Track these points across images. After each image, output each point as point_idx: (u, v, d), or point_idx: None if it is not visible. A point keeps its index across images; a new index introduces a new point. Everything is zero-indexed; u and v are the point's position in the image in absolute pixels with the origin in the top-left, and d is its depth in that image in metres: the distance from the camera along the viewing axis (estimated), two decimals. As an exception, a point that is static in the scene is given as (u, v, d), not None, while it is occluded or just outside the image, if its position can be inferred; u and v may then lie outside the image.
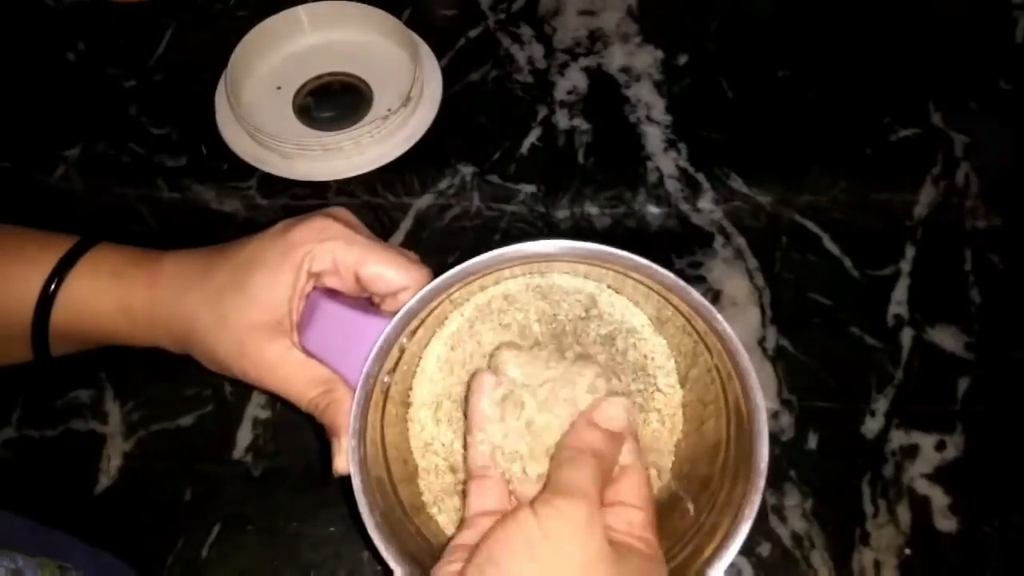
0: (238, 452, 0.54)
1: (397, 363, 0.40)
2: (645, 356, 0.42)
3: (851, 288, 0.59)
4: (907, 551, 0.50)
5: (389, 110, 0.64)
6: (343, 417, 0.37)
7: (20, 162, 0.65)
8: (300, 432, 0.54)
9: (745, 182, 0.63)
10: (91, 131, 0.66)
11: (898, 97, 0.66)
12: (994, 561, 0.50)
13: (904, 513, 0.51)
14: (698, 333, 0.39)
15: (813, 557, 0.50)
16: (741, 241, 0.60)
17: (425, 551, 0.38)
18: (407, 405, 0.43)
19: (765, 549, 0.50)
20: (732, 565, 0.50)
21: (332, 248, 0.39)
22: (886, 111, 0.66)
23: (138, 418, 0.55)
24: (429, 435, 0.42)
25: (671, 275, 0.37)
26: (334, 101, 0.67)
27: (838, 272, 0.59)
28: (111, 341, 0.43)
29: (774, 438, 0.53)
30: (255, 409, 0.55)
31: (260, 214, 0.62)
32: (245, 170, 0.63)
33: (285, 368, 0.38)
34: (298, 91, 0.67)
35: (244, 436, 0.54)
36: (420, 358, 0.43)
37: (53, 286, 0.41)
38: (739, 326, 0.57)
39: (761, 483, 0.35)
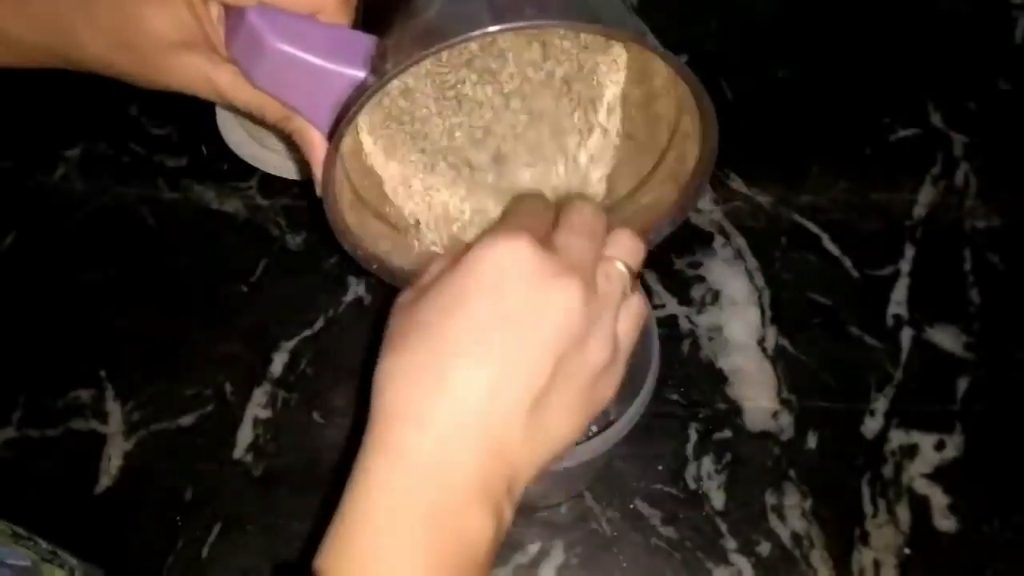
0: (238, 452, 0.54)
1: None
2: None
3: (851, 288, 0.59)
4: (906, 551, 0.50)
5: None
6: (312, 134, 0.34)
7: (20, 162, 0.65)
8: (300, 432, 0.54)
9: (745, 182, 0.63)
10: (91, 131, 0.66)
11: (897, 97, 0.66)
12: (994, 561, 0.50)
13: (903, 513, 0.51)
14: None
15: (812, 557, 0.50)
16: (741, 241, 0.60)
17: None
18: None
19: (764, 548, 0.50)
20: (732, 565, 0.50)
21: None
22: (885, 111, 0.66)
23: (139, 418, 0.55)
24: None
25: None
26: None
27: (838, 272, 0.59)
28: None
29: (774, 438, 0.54)
30: (255, 409, 0.55)
31: (260, 214, 0.62)
32: (245, 170, 0.63)
33: (236, 90, 0.34)
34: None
35: (244, 436, 0.54)
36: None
37: None
38: (739, 326, 0.57)
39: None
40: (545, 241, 0.30)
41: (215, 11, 0.33)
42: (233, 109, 0.36)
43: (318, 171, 0.34)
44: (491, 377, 0.28)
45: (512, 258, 0.29)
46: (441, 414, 0.28)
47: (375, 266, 0.40)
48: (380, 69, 0.31)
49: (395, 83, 0.38)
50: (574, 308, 0.29)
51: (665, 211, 0.40)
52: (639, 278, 0.33)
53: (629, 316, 0.32)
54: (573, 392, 0.30)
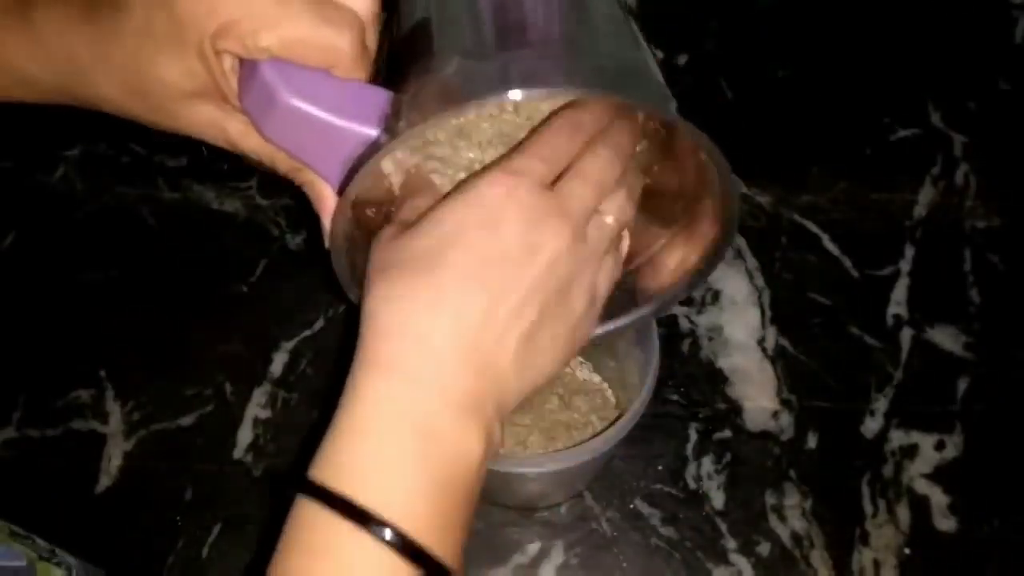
0: (239, 452, 0.54)
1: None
2: None
3: (851, 288, 0.59)
4: (906, 551, 0.50)
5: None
6: (323, 188, 0.35)
7: (20, 162, 0.65)
8: (301, 432, 0.54)
9: (745, 182, 0.63)
10: (91, 131, 0.66)
11: (897, 97, 0.66)
12: (993, 561, 0.50)
13: (903, 513, 0.51)
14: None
15: (812, 557, 0.50)
16: (741, 241, 0.60)
17: None
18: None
19: (765, 549, 0.50)
20: (732, 565, 0.50)
21: (230, 29, 0.31)
22: (885, 111, 0.66)
23: (139, 418, 0.55)
24: None
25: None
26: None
27: (838, 272, 0.59)
28: None
29: (774, 438, 0.54)
30: (256, 409, 0.55)
31: (260, 214, 0.62)
32: (245, 170, 0.63)
33: (247, 141, 0.35)
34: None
35: (245, 436, 0.54)
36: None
37: None
38: (739, 326, 0.57)
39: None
40: (551, 178, 0.31)
41: (228, 63, 0.33)
42: (244, 156, 0.36)
43: (327, 223, 0.35)
44: (489, 303, 0.29)
45: (511, 196, 0.30)
46: (439, 332, 0.29)
47: None
48: (393, 128, 0.31)
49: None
50: (563, 252, 0.30)
51: (690, 267, 0.40)
52: (624, 234, 0.35)
53: (607, 272, 0.34)
54: (555, 331, 0.31)
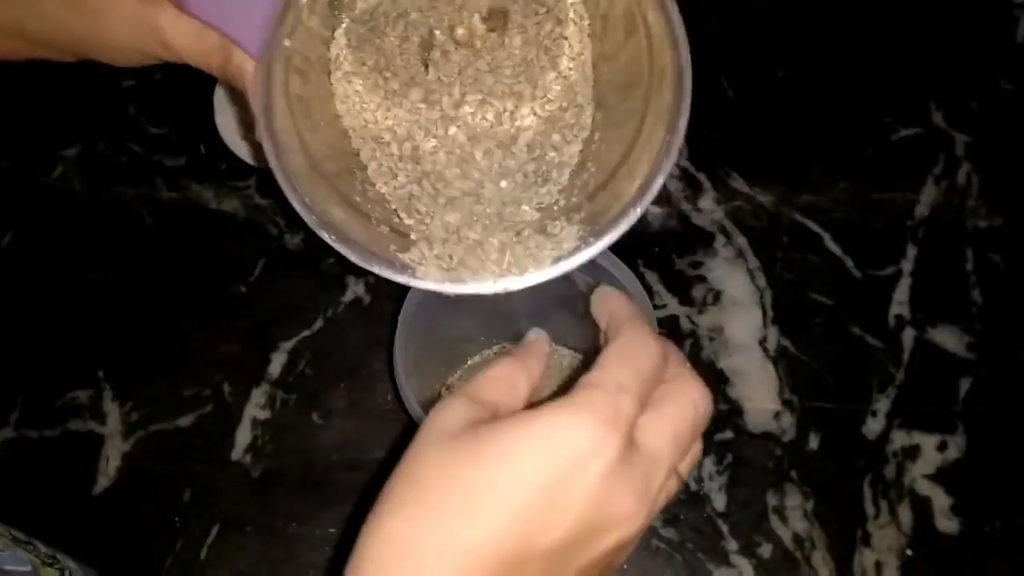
0: (237, 453, 0.54)
1: (294, 30, 0.35)
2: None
3: (852, 288, 0.58)
4: (909, 552, 0.50)
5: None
6: (250, 65, 0.34)
7: (18, 162, 0.65)
8: (299, 432, 0.54)
9: (746, 181, 0.63)
10: (90, 131, 0.66)
11: (899, 96, 0.66)
12: (996, 562, 0.50)
13: (905, 514, 0.51)
14: None
15: (814, 558, 0.50)
16: (742, 241, 0.60)
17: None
18: (325, 73, 0.38)
19: (766, 550, 0.50)
20: (733, 566, 0.50)
21: None
22: (887, 111, 0.66)
23: (137, 418, 0.55)
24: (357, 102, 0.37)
25: None
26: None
27: (839, 272, 0.59)
28: None
29: (775, 439, 0.53)
30: (254, 410, 0.55)
31: (259, 214, 0.62)
32: (244, 170, 0.63)
33: (177, 35, 0.35)
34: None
35: (243, 437, 0.54)
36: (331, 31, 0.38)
37: None
38: (740, 326, 0.57)
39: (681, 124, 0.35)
40: (628, 431, 0.26)
41: None
42: (182, 64, 0.37)
43: (255, 101, 0.33)
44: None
45: (599, 456, 0.25)
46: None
47: (329, 235, 0.36)
48: None
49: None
50: (631, 538, 0.26)
51: (656, 152, 0.37)
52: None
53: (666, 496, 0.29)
54: None
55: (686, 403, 0.28)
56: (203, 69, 0.36)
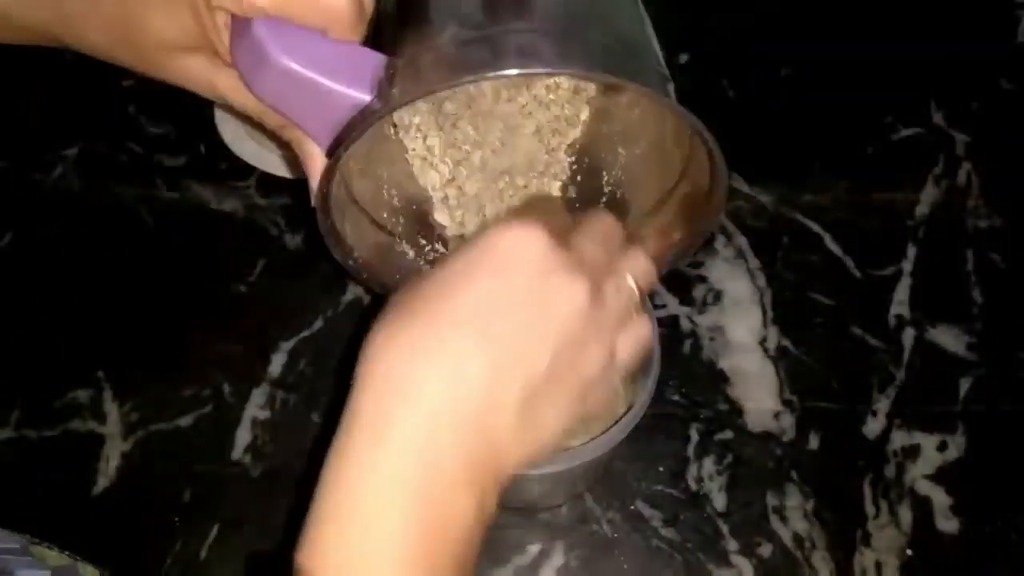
0: (237, 453, 0.54)
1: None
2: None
3: (853, 288, 0.58)
4: (909, 552, 0.50)
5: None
6: (311, 146, 0.34)
7: (18, 162, 0.65)
8: (299, 433, 0.54)
9: (746, 181, 0.63)
10: (89, 130, 0.66)
11: (899, 96, 0.66)
12: (996, 562, 0.50)
13: (906, 514, 0.51)
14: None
15: (814, 558, 0.50)
16: (742, 241, 0.60)
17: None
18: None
19: (766, 550, 0.50)
20: (733, 566, 0.50)
21: None
22: (887, 110, 0.66)
23: (137, 419, 0.55)
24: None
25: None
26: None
27: (840, 272, 0.59)
28: None
29: (775, 439, 0.53)
30: (254, 410, 0.55)
31: (259, 214, 0.62)
32: (244, 169, 0.63)
33: (238, 96, 0.33)
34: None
35: (243, 437, 0.54)
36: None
37: None
38: (740, 326, 0.57)
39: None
40: (559, 239, 0.29)
41: (222, 19, 0.32)
42: (231, 110, 0.36)
43: (314, 183, 0.34)
44: (490, 358, 0.27)
45: (525, 245, 0.28)
46: (436, 389, 0.27)
47: (366, 275, 0.40)
48: (386, 95, 0.30)
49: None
50: (578, 308, 0.28)
51: (679, 240, 0.40)
52: (646, 299, 0.33)
53: (631, 335, 0.31)
54: (564, 394, 0.29)
55: (602, 217, 0.33)
56: (255, 121, 0.35)
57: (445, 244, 0.43)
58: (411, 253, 0.42)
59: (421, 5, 0.32)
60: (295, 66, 0.31)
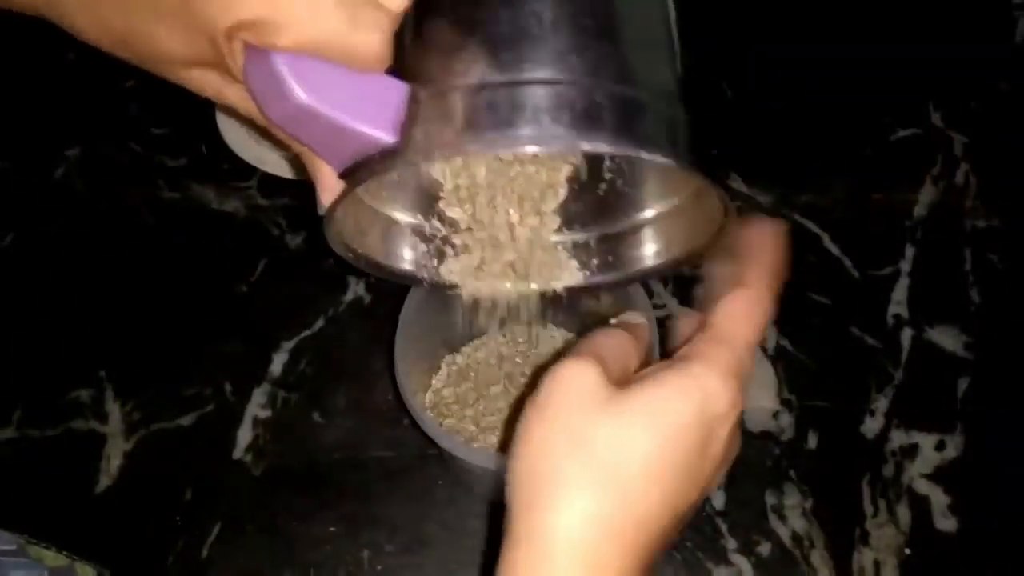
0: (238, 452, 0.54)
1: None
2: None
3: (851, 288, 0.59)
4: (907, 551, 0.50)
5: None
6: (321, 163, 0.32)
7: (20, 162, 0.65)
8: (300, 432, 0.54)
9: (745, 182, 0.63)
10: (91, 131, 0.66)
11: (898, 97, 0.66)
12: (994, 561, 0.50)
13: (904, 513, 0.51)
14: None
15: (813, 557, 0.50)
16: (741, 241, 0.60)
17: None
18: None
19: (765, 549, 0.50)
20: (732, 565, 0.50)
21: (248, 26, 0.28)
22: (886, 111, 0.66)
23: (138, 418, 0.55)
24: None
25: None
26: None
27: (838, 272, 0.59)
28: None
29: (774, 438, 0.53)
30: (255, 409, 0.55)
31: (260, 214, 0.62)
32: (245, 170, 0.63)
33: (247, 101, 0.31)
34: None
35: (244, 436, 0.54)
36: None
37: None
38: (739, 326, 0.57)
39: None
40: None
41: (239, 44, 0.30)
42: (235, 114, 0.34)
43: (324, 196, 0.33)
44: (671, 519, 0.30)
45: (716, 404, 0.32)
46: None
47: (367, 264, 0.39)
48: (407, 136, 0.29)
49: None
50: (735, 443, 0.34)
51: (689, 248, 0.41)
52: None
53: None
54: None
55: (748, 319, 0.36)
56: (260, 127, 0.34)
57: (453, 228, 0.42)
58: (417, 240, 0.42)
59: (443, 16, 0.30)
60: (315, 104, 0.29)
